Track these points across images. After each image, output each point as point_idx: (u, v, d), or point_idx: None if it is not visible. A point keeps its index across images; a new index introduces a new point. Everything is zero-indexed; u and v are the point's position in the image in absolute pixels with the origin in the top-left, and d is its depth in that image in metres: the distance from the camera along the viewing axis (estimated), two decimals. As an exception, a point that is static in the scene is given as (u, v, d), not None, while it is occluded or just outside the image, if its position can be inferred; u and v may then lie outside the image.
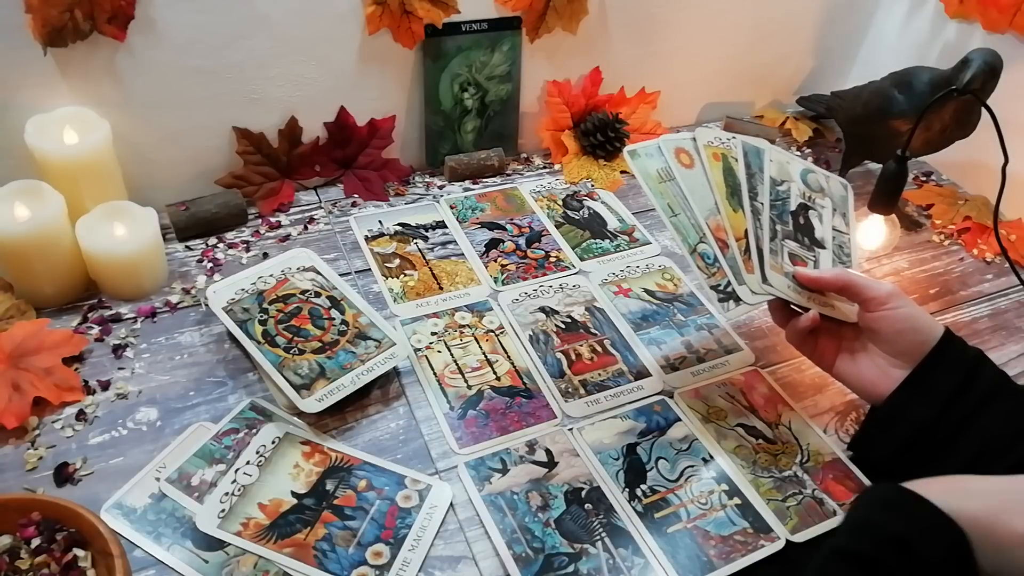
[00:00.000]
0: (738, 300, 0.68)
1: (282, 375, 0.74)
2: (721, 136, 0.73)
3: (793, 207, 0.73)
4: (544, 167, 1.13)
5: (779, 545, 0.67)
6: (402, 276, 0.92)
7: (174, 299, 0.86)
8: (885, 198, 0.94)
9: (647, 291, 0.92)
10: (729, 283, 0.68)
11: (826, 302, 0.69)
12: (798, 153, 1.21)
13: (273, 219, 0.98)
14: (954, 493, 0.52)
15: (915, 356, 0.65)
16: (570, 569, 0.64)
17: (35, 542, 0.58)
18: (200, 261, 0.92)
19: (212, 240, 0.95)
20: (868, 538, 0.51)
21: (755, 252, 0.68)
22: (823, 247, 0.72)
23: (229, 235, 0.96)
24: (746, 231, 0.69)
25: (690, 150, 0.71)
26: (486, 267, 0.94)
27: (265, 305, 0.79)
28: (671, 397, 0.80)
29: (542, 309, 0.89)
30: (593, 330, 0.87)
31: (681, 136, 0.72)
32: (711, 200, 0.69)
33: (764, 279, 0.68)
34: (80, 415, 0.73)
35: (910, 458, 0.66)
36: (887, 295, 0.65)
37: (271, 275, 0.83)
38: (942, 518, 0.50)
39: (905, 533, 0.51)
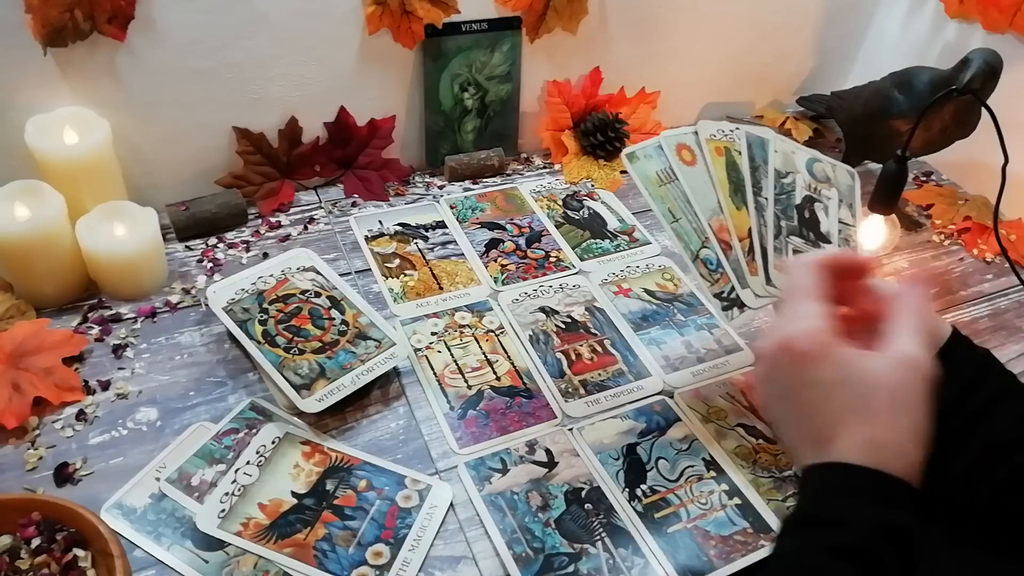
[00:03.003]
0: (742, 306, 0.67)
1: (282, 375, 0.74)
2: (724, 128, 0.71)
3: (798, 200, 0.71)
4: (544, 167, 1.13)
5: (779, 545, 0.67)
6: (402, 276, 0.92)
7: (174, 299, 0.86)
8: (885, 198, 0.94)
9: (647, 291, 0.92)
10: (733, 289, 0.67)
11: None
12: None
13: (273, 219, 0.98)
14: (888, 454, 0.49)
15: None
16: (570, 569, 0.64)
17: (35, 542, 0.58)
18: (200, 261, 0.92)
19: (212, 240, 0.95)
20: (864, 532, 0.47)
21: (759, 252, 0.67)
22: (829, 241, 0.71)
23: (229, 235, 0.96)
24: (750, 230, 0.68)
25: (692, 146, 0.70)
26: (486, 267, 0.94)
27: (265, 305, 0.79)
28: (671, 397, 0.80)
29: (542, 309, 0.89)
30: (593, 330, 0.87)
31: (683, 131, 0.71)
32: (714, 199, 0.68)
33: (768, 280, 0.67)
34: (80, 415, 0.73)
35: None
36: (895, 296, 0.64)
37: (271, 275, 0.83)
38: (912, 490, 0.48)
39: (902, 521, 0.48)
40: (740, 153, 0.70)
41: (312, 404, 0.72)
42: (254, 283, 0.81)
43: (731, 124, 0.72)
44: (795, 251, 0.69)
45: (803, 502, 0.50)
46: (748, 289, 0.66)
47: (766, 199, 0.69)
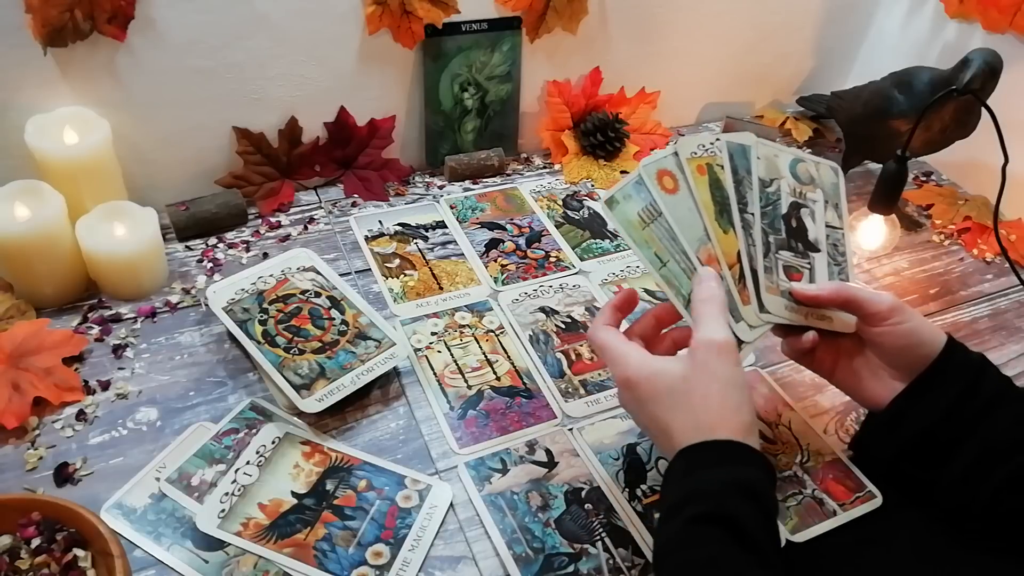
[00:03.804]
0: (740, 343, 0.63)
1: (282, 375, 0.74)
2: (703, 142, 0.68)
3: (784, 209, 0.69)
4: (544, 167, 1.13)
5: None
6: (402, 276, 0.92)
7: (174, 299, 0.86)
8: (885, 198, 0.94)
9: (647, 291, 0.92)
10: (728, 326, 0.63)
11: (824, 315, 0.67)
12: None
13: (273, 219, 0.98)
14: (737, 431, 0.56)
15: (918, 368, 0.64)
16: (570, 569, 0.64)
17: (35, 542, 0.58)
18: (200, 261, 0.92)
19: (212, 240, 0.95)
20: (712, 494, 0.53)
21: (749, 277, 0.65)
22: (817, 250, 0.69)
23: (229, 235, 0.96)
24: (739, 253, 0.65)
25: (673, 169, 0.66)
26: (486, 267, 0.94)
27: (265, 305, 0.79)
28: (671, 397, 0.80)
29: (542, 309, 0.89)
30: (593, 330, 0.87)
31: (662, 155, 0.67)
32: (700, 227, 0.65)
33: (761, 307, 0.64)
34: (80, 415, 0.73)
35: (911, 460, 0.66)
36: (889, 309, 0.63)
37: (271, 275, 0.83)
38: (739, 443, 0.55)
39: (741, 473, 0.54)
40: (723, 167, 0.67)
41: (312, 404, 0.72)
42: (254, 283, 0.81)
43: (711, 135, 0.68)
44: (786, 267, 0.67)
45: (664, 493, 0.57)
46: (743, 322, 0.64)
47: (752, 215, 0.67)
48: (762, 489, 0.54)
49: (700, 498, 0.53)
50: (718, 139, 0.68)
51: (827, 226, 0.70)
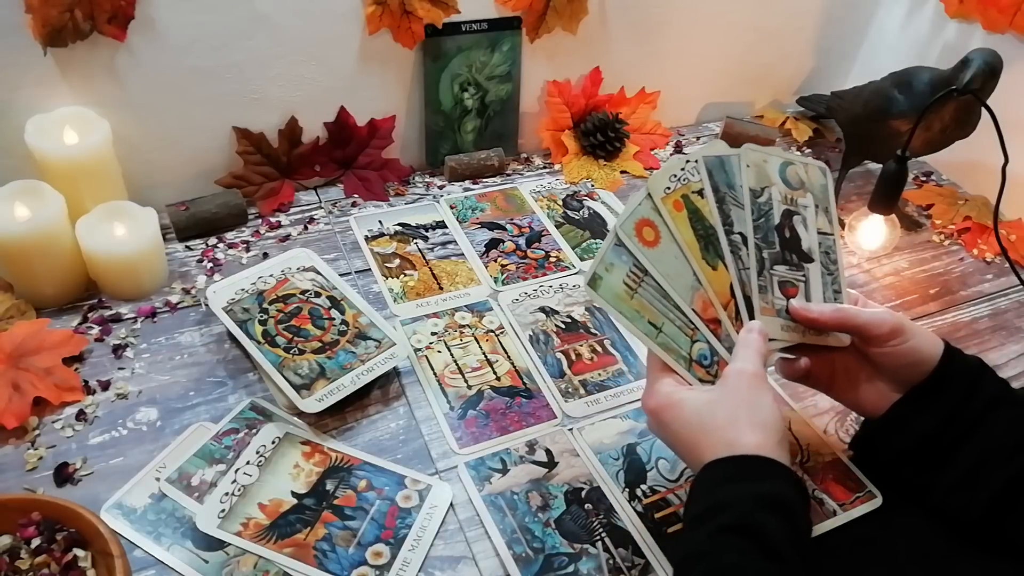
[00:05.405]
0: None
1: (282, 375, 0.74)
2: (674, 171, 0.64)
3: (777, 219, 0.66)
4: (544, 167, 1.13)
5: (779, 545, 0.67)
6: (402, 276, 0.92)
7: (174, 299, 0.86)
8: (885, 198, 0.94)
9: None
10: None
11: (820, 331, 0.65)
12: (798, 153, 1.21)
13: (273, 219, 0.98)
14: (764, 448, 0.56)
15: (918, 380, 0.64)
16: (570, 569, 0.64)
17: (35, 542, 0.58)
18: (200, 261, 0.92)
19: (212, 240, 0.95)
20: (738, 506, 0.53)
21: (743, 306, 0.63)
22: (811, 260, 0.67)
23: (229, 235, 0.96)
24: (731, 286, 0.63)
25: (649, 216, 0.64)
26: (486, 267, 0.94)
27: (265, 305, 0.79)
28: (671, 397, 0.80)
29: (542, 309, 0.89)
30: (593, 330, 0.87)
31: (635, 203, 0.64)
32: (689, 272, 0.63)
33: None
34: (80, 415, 0.73)
35: (910, 464, 0.66)
36: (890, 331, 0.62)
37: (271, 275, 0.83)
38: (765, 459, 0.56)
39: (765, 487, 0.54)
40: (699, 194, 0.64)
41: (312, 404, 0.72)
42: (254, 283, 0.81)
43: (680, 160, 0.65)
44: (781, 283, 0.65)
45: (689, 505, 0.58)
46: None
47: (740, 235, 0.64)
48: (789, 502, 0.54)
49: (725, 509, 0.53)
50: (688, 161, 0.65)
51: (819, 233, 0.68)
